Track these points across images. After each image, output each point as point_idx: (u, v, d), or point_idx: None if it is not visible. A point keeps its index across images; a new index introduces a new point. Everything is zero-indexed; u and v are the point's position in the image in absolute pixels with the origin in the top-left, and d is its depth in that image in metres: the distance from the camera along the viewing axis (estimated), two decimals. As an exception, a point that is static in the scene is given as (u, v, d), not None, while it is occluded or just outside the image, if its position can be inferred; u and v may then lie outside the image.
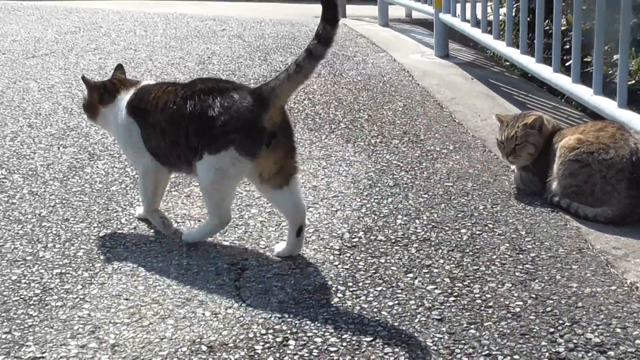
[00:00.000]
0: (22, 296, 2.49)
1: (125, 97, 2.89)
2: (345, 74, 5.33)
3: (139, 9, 8.83)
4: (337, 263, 2.70)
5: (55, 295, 2.50)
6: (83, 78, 3.04)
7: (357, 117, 4.36)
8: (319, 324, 2.32)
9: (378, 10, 8.02)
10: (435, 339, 2.25)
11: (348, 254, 2.76)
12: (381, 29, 7.71)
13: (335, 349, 2.20)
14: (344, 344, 2.22)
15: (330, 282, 2.57)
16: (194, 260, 2.72)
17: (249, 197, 3.25)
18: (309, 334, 2.27)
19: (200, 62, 5.66)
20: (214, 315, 2.37)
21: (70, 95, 4.70)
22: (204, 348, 2.21)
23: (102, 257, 2.75)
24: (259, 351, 2.19)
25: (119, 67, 3.14)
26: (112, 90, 2.95)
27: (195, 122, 2.64)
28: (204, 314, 2.38)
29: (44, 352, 2.20)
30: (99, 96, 2.97)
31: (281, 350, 2.19)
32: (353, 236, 2.91)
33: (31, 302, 2.46)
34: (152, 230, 2.96)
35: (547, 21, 4.82)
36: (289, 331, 2.28)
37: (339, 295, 2.49)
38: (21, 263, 2.71)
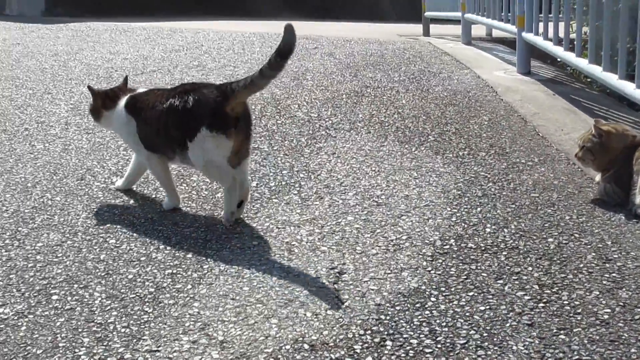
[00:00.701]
0: (138, 294, 2.54)
1: (124, 101, 3.27)
2: (432, 89, 5.30)
3: (237, 29, 8.95)
4: (429, 269, 2.68)
5: (168, 294, 2.54)
6: (89, 87, 3.41)
7: (445, 130, 4.33)
8: (414, 326, 2.30)
9: (461, 29, 7.98)
10: (526, 343, 2.21)
11: (440, 260, 2.74)
12: (464, 47, 7.66)
13: (430, 350, 2.18)
14: (439, 345, 2.20)
15: (424, 287, 2.55)
16: (294, 264, 2.73)
17: (345, 206, 3.25)
18: (404, 336, 2.25)
19: (294, 78, 5.70)
20: (315, 316, 2.38)
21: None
22: (306, 346, 2.22)
23: (209, 259, 2.78)
24: (358, 350, 2.19)
25: (125, 78, 3.49)
26: (113, 96, 3.32)
27: (174, 115, 3.03)
28: (305, 314, 2.39)
29: (159, 346, 2.24)
30: (102, 102, 3.33)
31: (379, 351, 2.18)
32: (444, 243, 2.88)
33: (146, 300, 2.50)
34: (255, 235, 2.99)
35: (628, 39, 4.71)
36: (385, 332, 2.27)
37: (433, 299, 2.47)
38: (136, 263, 2.76)
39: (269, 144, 4.08)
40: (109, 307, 2.46)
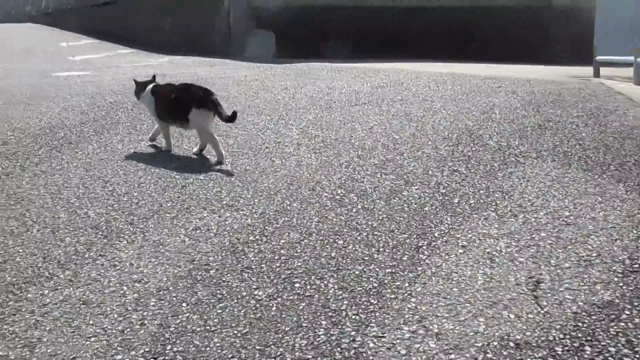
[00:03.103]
0: (364, 287, 2.54)
1: (149, 87, 4.60)
2: (609, 124, 4.99)
3: (430, 69, 8.87)
4: (621, 284, 2.50)
5: (389, 289, 2.52)
6: (134, 80, 4.81)
7: (625, 161, 4.05)
8: (611, 335, 2.14)
9: (634, 71, 7.48)
10: None
11: (631, 278, 2.54)
12: (636, 87, 7.17)
13: (629, 359, 2.02)
14: (637, 356, 2.03)
15: (617, 300, 2.37)
16: (495, 271, 2.63)
17: (537, 224, 3.10)
18: (602, 343, 2.10)
19: (483, 112, 5.56)
20: (518, 318, 2.27)
21: (386, 134, 4.79)
22: (511, 344, 2.12)
23: (422, 263, 2.74)
24: (559, 352, 2.07)
25: (154, 76, 4.82)
26: (144, 85, 4.65)
27: (179, 100, 4.34)
28: (509, 316, 2.29)
29: (384, 333, 2.22)
30: (140, 87, 4.67)
31: (579, 354, 2.05)
32: (634, 262, 2.68)
33: (371, 293, 2.49)
34: (460, 244, 2.91)
35: None
36: (584, 338, 2.14)
37: (627, 312, 2.29)
38: (361, 262, 2.76)
39: (466, 167, 3.98)
40: (341, 297, 2.47)
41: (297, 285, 2.56)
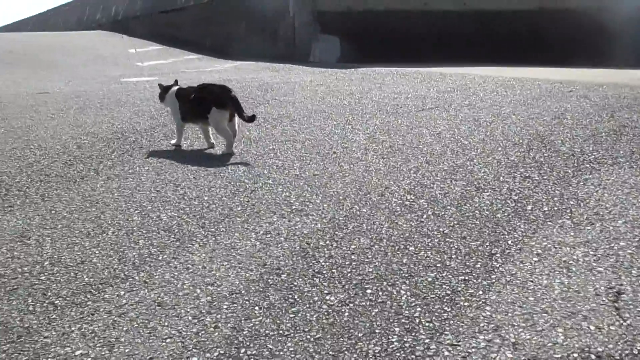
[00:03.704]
0: (437, 294, 2.51)
1: (173, 90, 4.95)
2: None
3: (498, 74, 8.74)
4: None
5: (462, 297, 2.49)
6: (159, 84, 5.13)
7: None
8: (698, 349, 2.06)
9: None
10: None
11: None
12: None
13: None
14: None
15: None
16: (573, 281, 2.57)
17: (616, 232, 3.01)
18: (690, 357, 2.02)
19: (555, 117, 5.44)
20: (598, 330, 2.21)
21: (454, 140, 4.73)
22: (592, 357, 2.06)
23: (496, 270, 2.69)
24: (644, 366, 2.00)
25: (175, 80, 5.19)
26: (167, 88, 4.98)
27: (200, 100, 4.69)
28: (589, 327, 2.23)
29: (458, 341, 2.19)
30: (163, 91, 5.00)
31: (665, 368, 1.98)
32: None
33: (444, 300, 2.46)
34: (534, 252, 2.85)
35: None
36: (669, 352, 2.06)
37: None
38: (433, 268, 2.73)
39: (539, 174, 3.90)
40: (413, 304, 2.44)
41: (368, 291, 2.55)
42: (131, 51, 14.77)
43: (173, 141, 4.97)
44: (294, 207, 3.48)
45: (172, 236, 3.15)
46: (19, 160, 4.57)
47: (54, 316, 2.44)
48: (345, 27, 11.89)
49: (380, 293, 2.53)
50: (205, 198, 3.68)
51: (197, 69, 11.01)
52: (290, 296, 2.52)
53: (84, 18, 27.80)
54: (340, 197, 3.61)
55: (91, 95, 7.52)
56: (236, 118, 4.66)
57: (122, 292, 2.60)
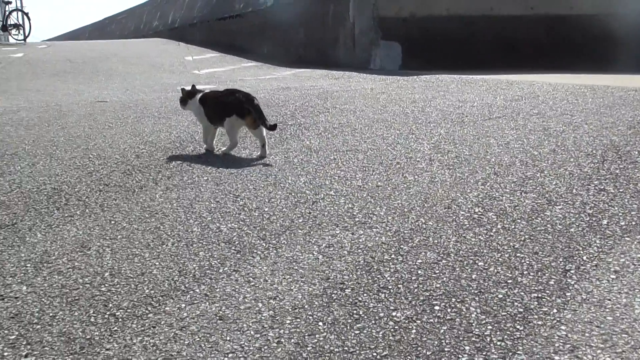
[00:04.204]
0: (508, 312, 2.47)
1: (198, 96, 5.18)
2: None
3: (567, 81, 8.59)
4: None
5: (536, 315, 2.45)
6: (182, 88, 5.35)
7: None
8: None
9: None
10: None
11: None
12: None
13: None
14: None
15: None
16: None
17: (701, 249, 2.92)
18: None
19: (630, 126, 5.31)
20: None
21: (524, 150, 4.67)
22: (678, 381, 2.00)
23: (571, 288, 2.64)
24: None
25: (193, 86, 5.38)
26: (191, 93, 5.24)
27: (222, 105, 4.96)
28: None
29: (533, 362, 2.15)
30: (186, 96, 5.25)
31: None
32: None
33: (516, 319, 2.43)
34: (612, 269, 2.78)
35: None
36: None
37: None
38: (504, 285, 2.70)
39: (614, 186, 3.82)
40: (484, 321, 2.42)
41: (436, 307, 2.53)
42: (188, 59, 15.03)
43: (204, 146, 5.23)
44: (357, 219, 3.49)
45: (233, 248, 3.19)
46: (78, 170, 4.70)
47: (116, 328, 2.49)
48: (407, 33, 11.87)
49: (449, 310, 2.51)
50: (266, 209, 3.71)
51: (255, 76, 11.13)
52: (355, 312, 2.52)
53: (141, 26, 28.45)
54: (405, 210, 3.60)
55: (149, 104, 7.68)
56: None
57: (183, 305, 2.65)
